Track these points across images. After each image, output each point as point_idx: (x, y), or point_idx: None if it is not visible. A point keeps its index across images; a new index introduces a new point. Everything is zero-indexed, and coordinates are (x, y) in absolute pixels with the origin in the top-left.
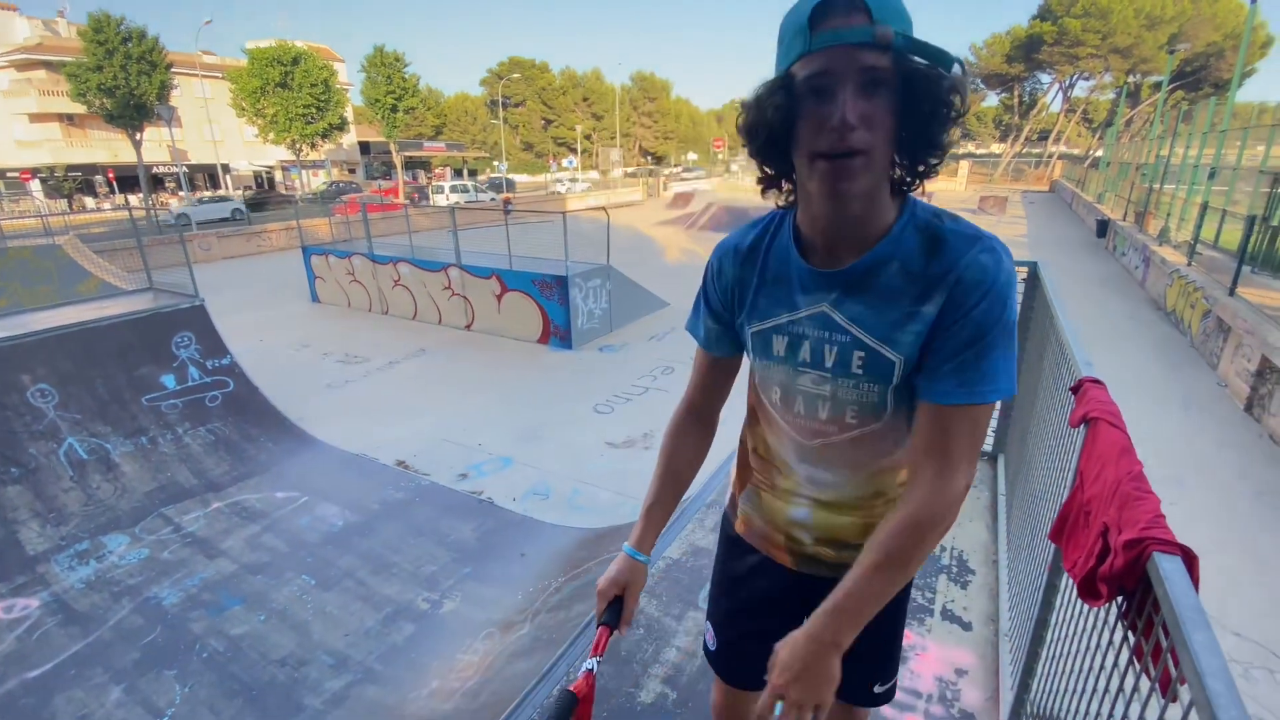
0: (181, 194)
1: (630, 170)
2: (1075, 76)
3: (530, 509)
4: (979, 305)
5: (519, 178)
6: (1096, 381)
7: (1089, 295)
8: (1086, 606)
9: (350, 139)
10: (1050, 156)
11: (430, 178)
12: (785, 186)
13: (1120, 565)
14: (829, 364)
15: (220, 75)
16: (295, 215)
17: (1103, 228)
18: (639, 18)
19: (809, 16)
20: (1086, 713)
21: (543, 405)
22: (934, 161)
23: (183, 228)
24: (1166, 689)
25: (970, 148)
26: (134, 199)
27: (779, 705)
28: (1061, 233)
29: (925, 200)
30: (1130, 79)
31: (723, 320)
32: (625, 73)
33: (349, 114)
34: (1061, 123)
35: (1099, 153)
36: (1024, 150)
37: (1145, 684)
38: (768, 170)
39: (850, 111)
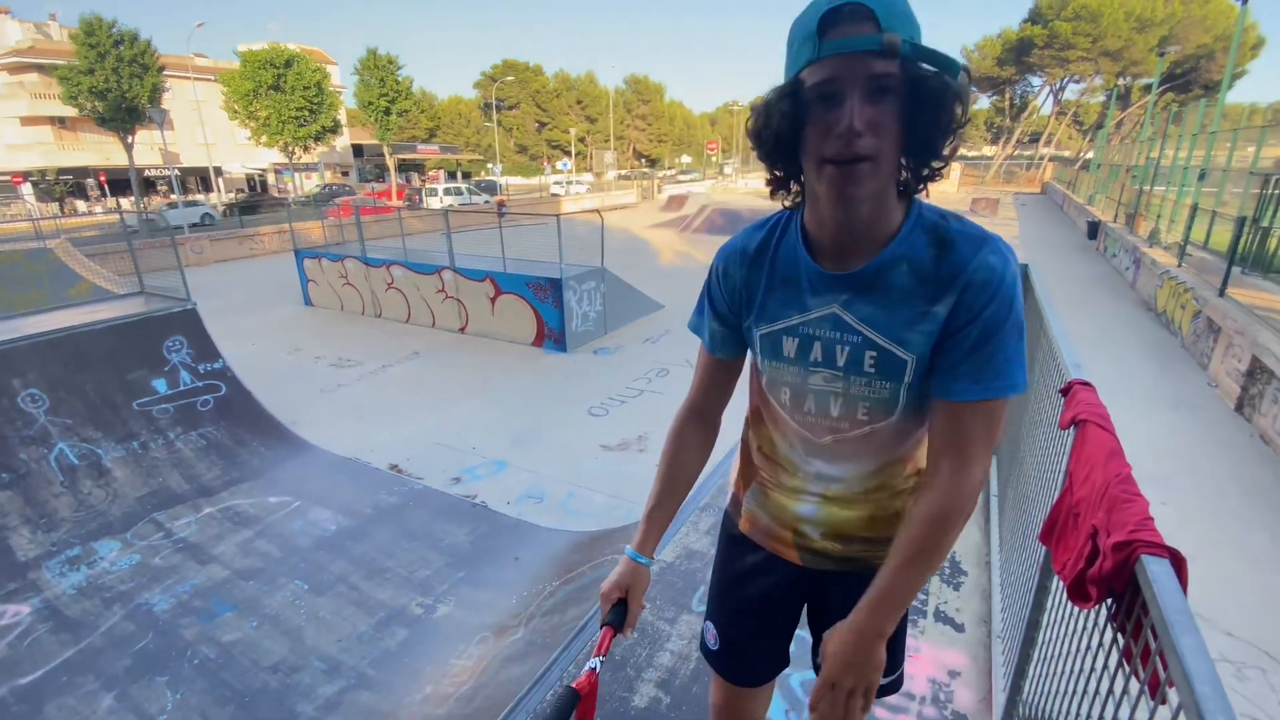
0: (173, 196)
1: (624, 173)
2: (1066, 79)
3: (524, 512)
4: (989, 305)
5: (512, 180)
6: (1086, 384)
7: (1080, 296)
8: (1077, 608)
9: (343, 142)
10: (1041, 159)
11: (424, 180)
12: (794, 188)
13: (1109, 567)
14: (841, 363)
15: (212, 78)
16: (288, 218)
17: (1093, 229)
18: (633, 21)
19: (817, 24)
20: (1078, 714)
21: (537, 408)
22: (939, 165)
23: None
24: (1155, 691)
25: (962, 150)
26: (126, 202)
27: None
28: (1053, 234)
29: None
30: (1121, 81)
31: (728, 323)
32: (619, 76)
33: (342, 116)
34: (1052, 125)
35: (1089, 155)
36: (1015, 153)
37: (1135, 686)
38: (777, 173)
39: (858, 118)
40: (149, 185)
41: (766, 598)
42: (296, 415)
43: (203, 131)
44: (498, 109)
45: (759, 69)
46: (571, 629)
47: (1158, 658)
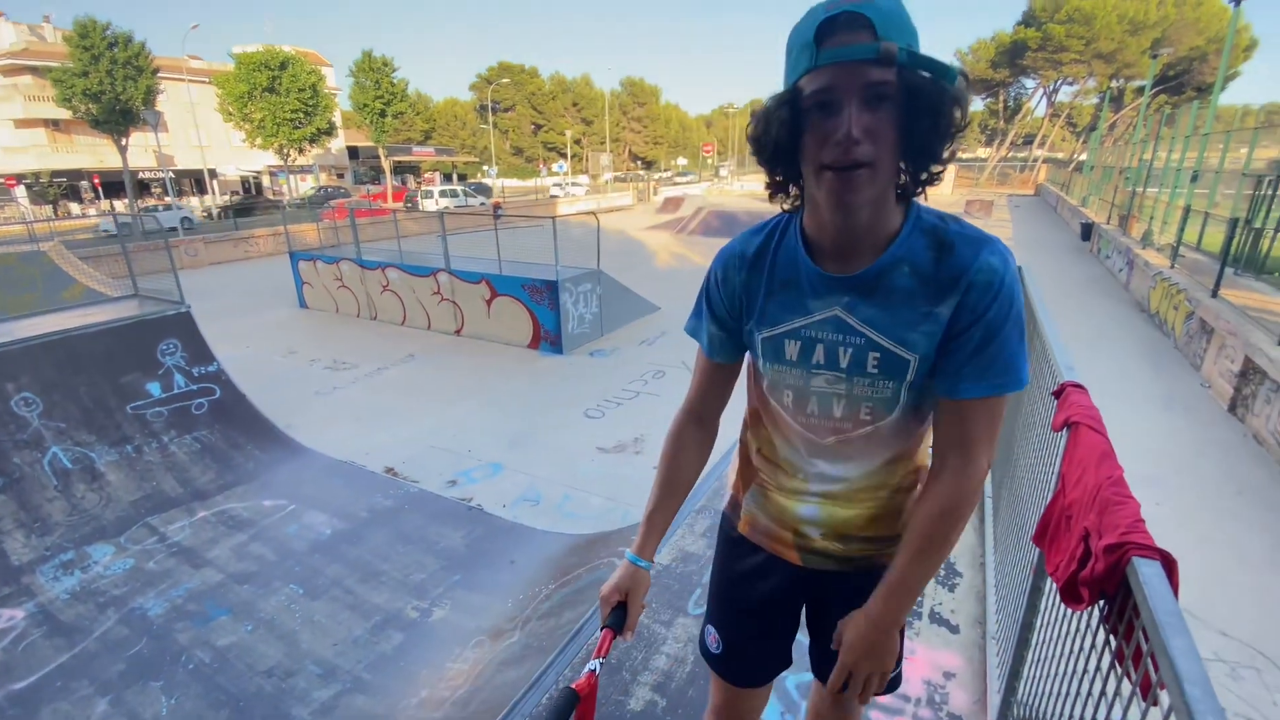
0: (167, 199)
1: (620, 175)
2: (1059, 81)
3: (520, 515)
4: (992, 306)
5: (509, 182)
6: (1078, 386)
7: (1074, 298)
8: (1070, 610)
9: (339, 144)
10: (1035, 160)
11: (420, 182)
12: (793, 191)
13: (1101, 570)
14: (844, 365)
15: (207, 80)
16: (283, 220)
17: (1087, 231)
18: (628, 24)
19: (814, 32)
20: (1072, 716)
21: (533, 410)
22: (938, 169)
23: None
24: (1147, 693)
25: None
26: (120, 205)
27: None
28: (1046, 236)
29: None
30: (1114, 84)
31: (727, 327)
32: (615, 78)
33: (337, 119)
34: (1046, 127)
35: (1083, 157)
36: (1009, 154)
37: (1128, 688)
38: (777, 177)
39: (855, 126)
40: (143, 188)
41: (767, 599)
42: (291, 418)
43: (197, 134)
44: (493, 111)
45: (754, 72)
46: (568, 632)
47: (1149, 659)
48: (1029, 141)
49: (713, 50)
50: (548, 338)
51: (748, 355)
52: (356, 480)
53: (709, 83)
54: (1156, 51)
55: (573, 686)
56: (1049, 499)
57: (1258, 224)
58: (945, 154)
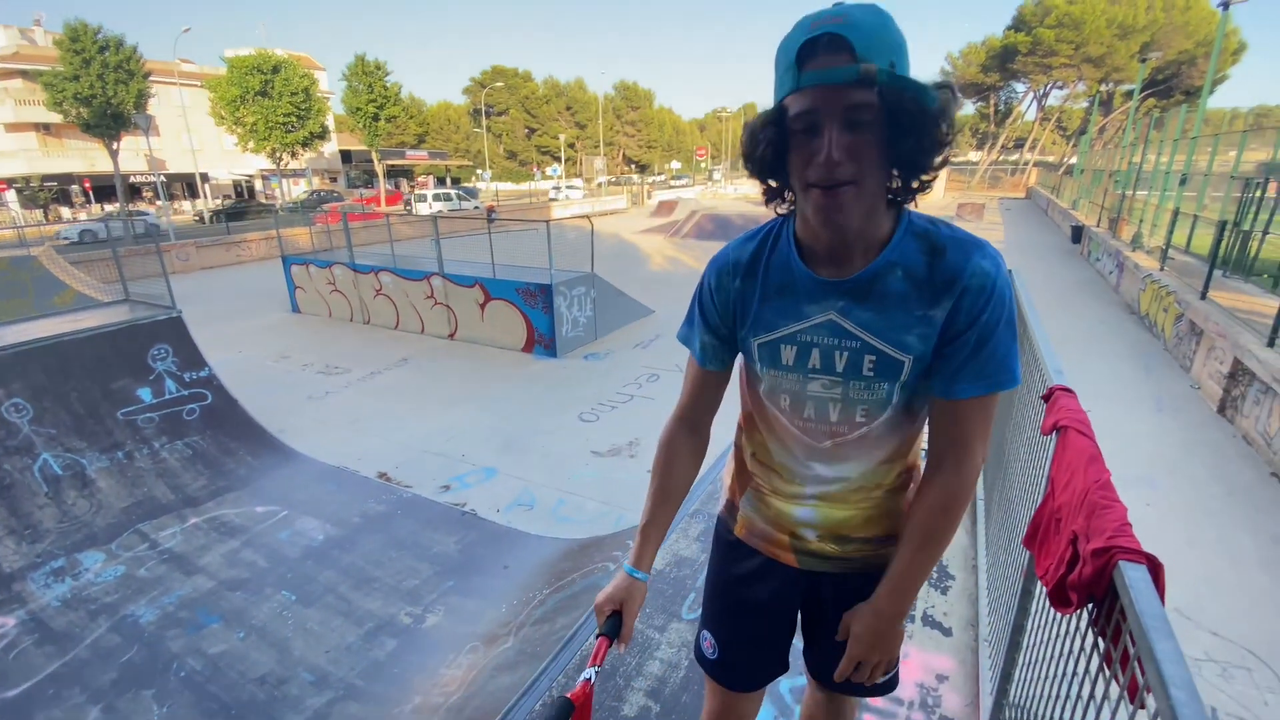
0: (159, 203)
1: (613, 179)
2: (1049, 85)
3: (514, 520)
4: (986, 309)
5: (503, 186)
6: (1067, 390)
7: (1064, 300)
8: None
9: (331, 147)
10: (1026, 164)
11: (413, 186)
12: (788, 196)
13: (1089, 573)
14: (840, 369)
15: (199, 84)
16: (275, 224)
17: (1077, 234)
18: (622, 28)
19: (796, 55)
20: (1061, 718)
21: (527, 415)
22: (928, 179)
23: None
24: (1134, 696)
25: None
26: (111, 209)
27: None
28: (1037, 239)
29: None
30: (1103, 87)
31: (721, 335)
32: (608, 82)
33: (330, 122)
34: (1036, 131)
35: (1073, 160)
36: (1000, 158)
37: (1116, 690)
38: (770, 184)
39: (835, 148)
40: (134, 191)
41: (764, 602)
42: (284, 423)
43: (189, 137)
44: (487, 115)
45: (748, 76)
46: (562, 638)
47: (1136, 663)
48: (1020, 145)
49: (706, 54)
50: (542, 341)
51: (740, 360)
52: (349, 486)
53: (702, 86)
54: (1145, 55)
55: (568, 695)
56: (1039, 502)
57: (1246, 226)
58: (934, 164)
